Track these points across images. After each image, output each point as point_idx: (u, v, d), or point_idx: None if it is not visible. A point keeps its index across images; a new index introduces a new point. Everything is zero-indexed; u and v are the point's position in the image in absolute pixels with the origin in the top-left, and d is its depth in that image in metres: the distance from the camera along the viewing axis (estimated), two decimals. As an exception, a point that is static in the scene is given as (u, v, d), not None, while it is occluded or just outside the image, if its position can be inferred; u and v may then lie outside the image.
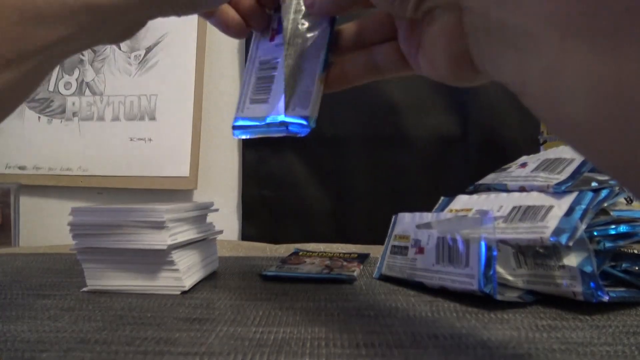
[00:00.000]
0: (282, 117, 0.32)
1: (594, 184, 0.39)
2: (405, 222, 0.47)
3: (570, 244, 0.35)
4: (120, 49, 0.87)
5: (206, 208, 0.49)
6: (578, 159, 0.41)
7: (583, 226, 0.35)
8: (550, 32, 0.18)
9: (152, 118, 0.85)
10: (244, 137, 0.35)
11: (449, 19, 0.24)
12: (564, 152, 0.44)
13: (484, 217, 0.38)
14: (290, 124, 0.32)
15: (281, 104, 0.32)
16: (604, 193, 0.38)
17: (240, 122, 0.34)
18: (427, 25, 0.26)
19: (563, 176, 0.40)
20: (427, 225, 0.43)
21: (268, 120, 0.33)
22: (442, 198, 0.51)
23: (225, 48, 0.87)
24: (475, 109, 0.80)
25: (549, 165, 0.43)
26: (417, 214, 0.46)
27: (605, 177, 0.40)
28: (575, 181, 0.39)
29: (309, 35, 0.33)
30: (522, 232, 0.38)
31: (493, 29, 0.21)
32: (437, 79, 0.28)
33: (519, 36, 0.20)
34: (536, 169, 0.44)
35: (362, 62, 0.32)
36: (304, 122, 0.32)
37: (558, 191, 0.39)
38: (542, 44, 0.19)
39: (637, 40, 0.16)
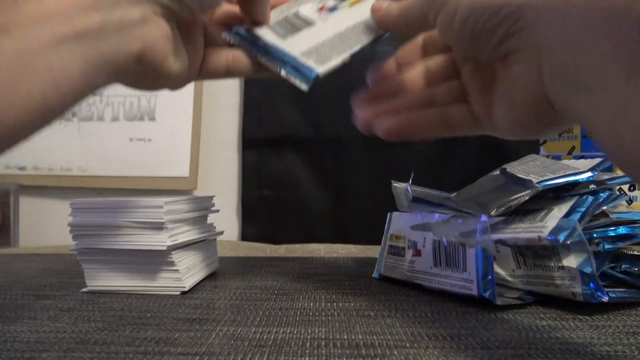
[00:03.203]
0: (285, 56, 0.32)
1: (592, 186, 0.39)
2: (400, 221, 0.47)
3: (568, 242, 0.34)
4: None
5: (206, 208, 0.49)
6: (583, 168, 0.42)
7: (581, 227, 0.35)
8: (617, 71, 0.20)
9: (152, 118, 0.85)
10: (229, 38, 0.34)
11: (530, 62, 0.24)
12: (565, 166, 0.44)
13: (478, 220, 0.38)
14: (291, 65, 0.31)
15: (298, 45, 0.32)
16: (603, 196, 0.38)
17: (241, 31, 0.34)
18: (503, 69, 0.26)
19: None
20: (422, 227, 0.43)
21: (270, 48, 0.32)
22: None
23: (225, 48, 0.87)
24: (475, 110, 0.80)
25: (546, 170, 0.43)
26: (411, 214, 0.46)
27: (603, 178, 0.40)
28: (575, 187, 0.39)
29: (357, 26, 0.33)
30: (521, 231, 0.38)
31: (570, 72, 0.22)
32: (511, 131, 0.28)
33: (590, 75, 0.21)
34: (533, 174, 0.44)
35: (434, 118, 0.32)
36: (310, 73, 0.31)
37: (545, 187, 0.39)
38: (610, 82, 0.20)
39: None
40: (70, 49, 0.25)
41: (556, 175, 0.39)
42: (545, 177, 0.39)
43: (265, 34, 0.34)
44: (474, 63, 0.30)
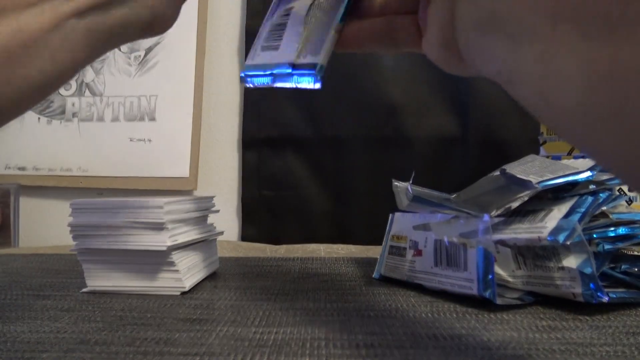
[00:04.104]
0: (288, 69, 0.31)
1: (591, 186, 0.39)
2: (401, 222, 0.47)
3: (568, 243, 0.35)
4: (119, 49, 0.87)
5: (207, 207, 0.49)
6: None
7: (581, 227, 0.35)
8: (541, 20, 0.18)
9: (152, 119, 0.85)
10: (250, 86, 0.33)
11: (443, 5, 0.24)
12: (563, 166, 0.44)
13: (479, 220, 0.38)
14: (296, 74, 0.31)
15: (291, 50, 0.31)
16: (603, 196, 0.38)
17: (249, 71, 0.33)
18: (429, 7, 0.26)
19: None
20: (423, 227, 0.43)
21: (276, 70, 0.32)
22: None
23: (225, 48, 0.87)
24: (475, 110, 0.80)
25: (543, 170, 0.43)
26: (413, 215, 0.46)
27: (602, 178, 0.40)
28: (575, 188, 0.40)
29: None
30: (521, 232, 0.38)
31: (484, 18, 0.21)
32: (434, 62, 0.27)
33: (511, 24, 0.20)
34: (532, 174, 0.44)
35: (380, 27, 0.30)
36: (312, 71, 0.30)
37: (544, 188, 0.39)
38: (534, 31, 0.19)
39: (630, 24, 0.16)
40: (73, 27, 0.25)
41: (556, 176, 0.39)
42: (545, 178, 0.39)
43: (264, 57, 0.33)
44: None
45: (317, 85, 0.30)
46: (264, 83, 0.33)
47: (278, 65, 0.32)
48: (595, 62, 0.16)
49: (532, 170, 0.43)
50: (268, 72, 0.32)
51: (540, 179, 0.39)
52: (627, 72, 0.16)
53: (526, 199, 0.38)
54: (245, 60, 0.34)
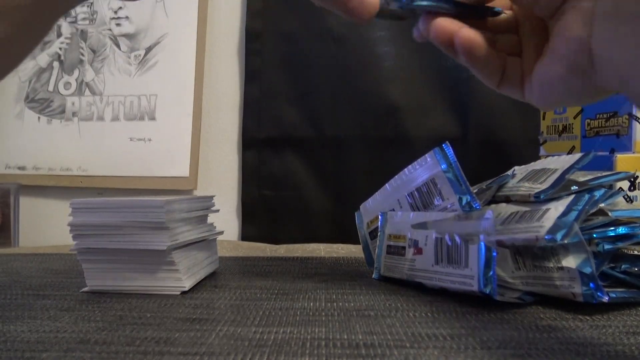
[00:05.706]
0: None
1: (573, 187, 0.39)
2: (397, 221, 0.47)
3: (566, 241, 0.34)
4: (120, 48, 0.87)
5: (207, 207, 0.49)
6: (561, 168, 0.42)
7: (578, 225, 0.35)
8: None
9: (152, 118, 0.85)
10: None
11: (583, 8, 0.25)
12: (550, 162, 0.44)
13: (482, 217, 0.38)
14: None
15: None
16: (598, 194, 0.38)
17: None
18: (555, 22, 0.27)
19: (544, 185, 0.41)
20: (424, 225, 0.43)
21: None
22: None
23: (225, 48, 0.87)
24: (475, 110, 0.80)
25: (534, 176, 0.44)
26: (406, 213, 0.46)
27: (586, 178, 0.40)
28: (555, 189, 0.40)
29: None
30: (518, 232, 0.38)
31: (624, 13, 0.22)
32: (546, 93, 0.28)
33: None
34: (522, 179, 0.44)
35: (498, 53, 0.31)
36: None
37: (538, 200, 0.40)
38: None
39: None
40: None
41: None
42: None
43: None
44: (533, 20, 0.30)
45: None
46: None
47: None
48: None
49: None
50: None
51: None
52: None
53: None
54: None
